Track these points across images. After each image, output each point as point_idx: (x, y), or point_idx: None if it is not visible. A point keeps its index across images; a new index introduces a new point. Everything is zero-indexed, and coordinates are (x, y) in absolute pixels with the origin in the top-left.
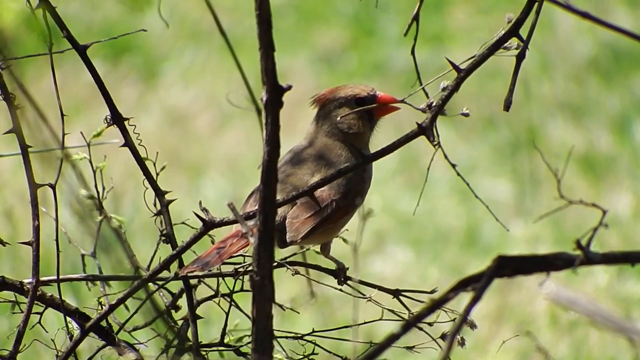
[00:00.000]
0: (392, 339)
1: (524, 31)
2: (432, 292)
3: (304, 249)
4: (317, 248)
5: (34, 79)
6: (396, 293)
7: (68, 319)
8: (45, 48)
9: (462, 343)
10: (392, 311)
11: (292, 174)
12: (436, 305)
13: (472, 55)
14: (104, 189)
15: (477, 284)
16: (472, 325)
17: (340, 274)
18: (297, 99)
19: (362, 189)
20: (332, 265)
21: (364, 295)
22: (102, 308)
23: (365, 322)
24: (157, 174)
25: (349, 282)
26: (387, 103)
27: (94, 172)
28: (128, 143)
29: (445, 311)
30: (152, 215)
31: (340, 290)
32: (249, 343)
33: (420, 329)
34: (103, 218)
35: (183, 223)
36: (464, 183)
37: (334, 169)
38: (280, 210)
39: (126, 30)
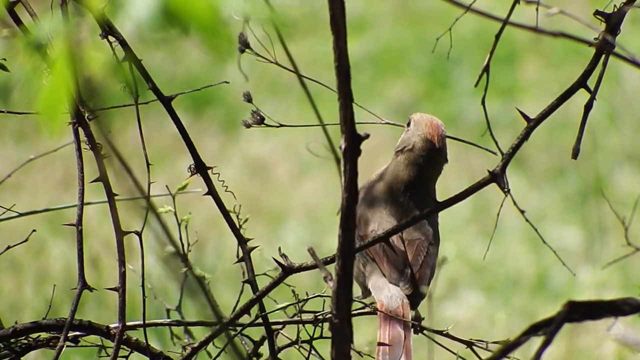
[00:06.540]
0: None
1: (591, 83)
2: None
3: None
4: None
5: (120, 129)
6: (470, 344)
7: None
8: (131, 99)
9: None
10: (467, 354)
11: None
12: (509, 349)
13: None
14: (188, 243)
15: (547, 328)
16: None
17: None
18: (374, 148)
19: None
20: None
21: (437, 343)
22: (185, 352)
23: None
24: (240, 226)
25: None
26: None
27: (179, 223)
28: (211, 192)
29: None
30: (234, 262)
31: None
32: None
33: None
34: (187, 270)
35: (264, 274)
36: (534, 230)
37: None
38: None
39: (208, 82)
